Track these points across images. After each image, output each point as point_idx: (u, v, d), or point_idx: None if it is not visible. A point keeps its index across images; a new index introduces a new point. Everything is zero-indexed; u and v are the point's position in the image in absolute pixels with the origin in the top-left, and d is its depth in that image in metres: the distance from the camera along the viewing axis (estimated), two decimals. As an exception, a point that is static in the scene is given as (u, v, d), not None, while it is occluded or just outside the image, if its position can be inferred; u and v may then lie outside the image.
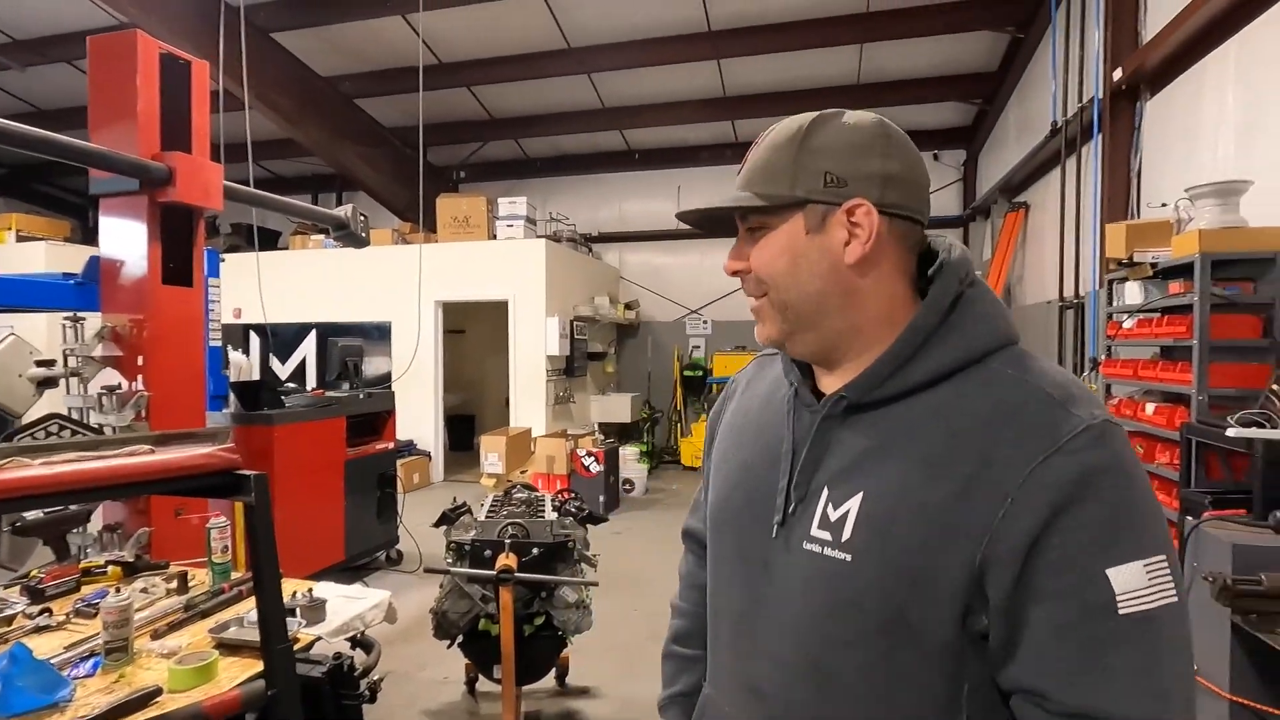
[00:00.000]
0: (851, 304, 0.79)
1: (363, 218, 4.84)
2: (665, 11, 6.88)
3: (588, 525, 2.97)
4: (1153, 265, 3.46)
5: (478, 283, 8.02)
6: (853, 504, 0.75)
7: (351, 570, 4.72)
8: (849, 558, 0.74)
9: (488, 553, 2.52)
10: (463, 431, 10.45)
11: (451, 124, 9.28)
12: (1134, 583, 0.65)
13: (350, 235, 4.69)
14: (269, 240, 9.89)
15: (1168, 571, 0.66)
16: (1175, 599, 0.66)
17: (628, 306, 9.94)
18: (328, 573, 4.25)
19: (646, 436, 9.58)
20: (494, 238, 8.29)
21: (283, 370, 8.30)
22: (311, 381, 8.12)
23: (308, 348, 8.39)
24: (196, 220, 3.67)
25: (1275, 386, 2.66)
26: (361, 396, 4.79)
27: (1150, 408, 3.45)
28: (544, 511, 2.87)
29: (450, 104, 8.78)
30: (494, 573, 2.38)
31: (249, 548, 1.37)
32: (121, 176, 3.27)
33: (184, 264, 3.60)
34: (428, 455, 7.98)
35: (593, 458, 6.57)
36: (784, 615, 0.80)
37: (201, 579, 2.35)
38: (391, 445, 5.11)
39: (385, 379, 7.71)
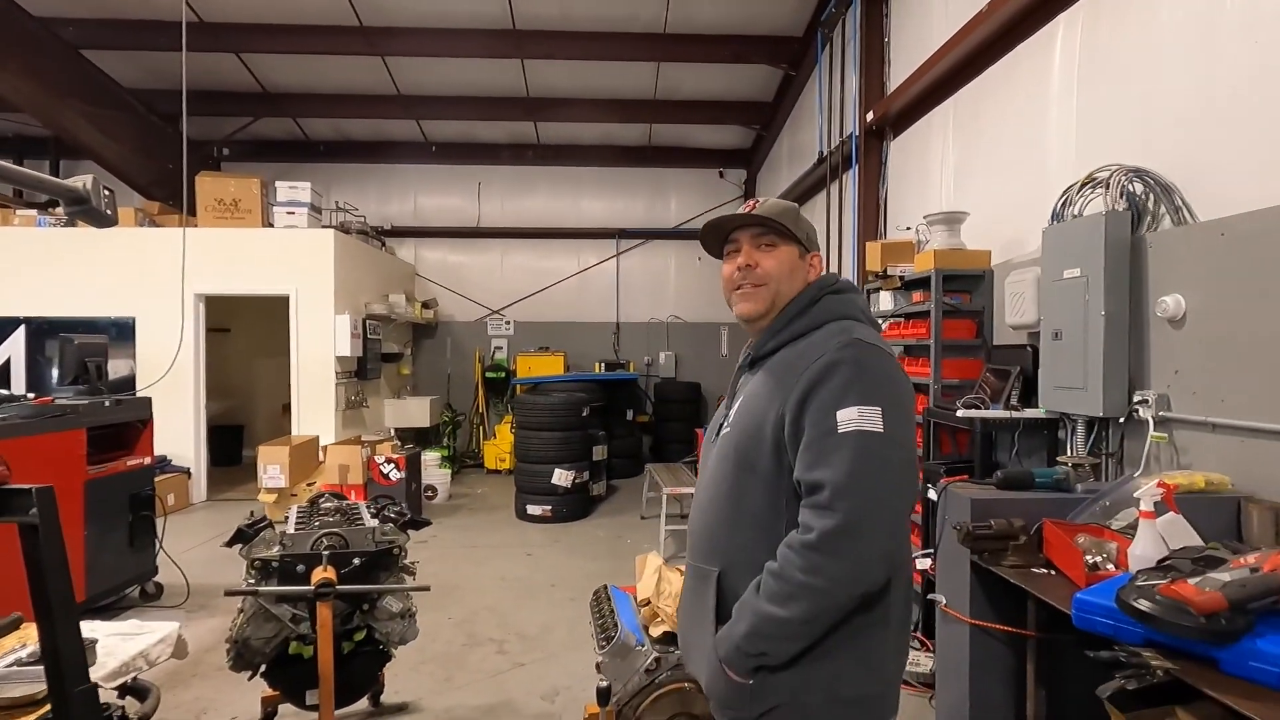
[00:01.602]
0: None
1: (107, 192, 4.05)
2: (468, 3, 6.71)
3: (409, 531, 2.82)
4: (901, 278, 4.16)
5: (251, 275, 7.11)
6: (739, 403, 1.37)
7: (94, 612, 3.93)
8: (730, 430, 1.34)
9: (301, 567, 2.28)
10: (227, 444, 9.18)
11: (214, 93, 8.13)
12: (849, 416, 1.16)
13: (90, 211, 3.87)
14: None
15: (878, 415, 1.16)
16: (880, 430, 1.16)
17: (425, 305, 9.47)
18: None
19: (448, 440, 9.22)
20: (270, 225, 7.41)
21: (-26, 375, 6.62)
22: (20, 387, 6.58)
23: (14, 347, 6.79)
24: None
25: (989, 375, 3.37)
26: (107, 404, 4.01)
27: (899, 396, 4.16)
28: (361, 519, 2.66)
29: (213, 70, 7.69)
30: (312, 588, 2.17)
31: (30, 575, 1.13)
32: None
33: None
34: (186, 472, 6.88)
35: (393, 464, 6.18)
36: (705, 477, 1.39)
37: (-102, 636, 1.84)
38: (148, 461, 4.35)
39: (127, 384, 6.51)
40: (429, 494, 7.14)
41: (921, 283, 3.99)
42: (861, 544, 1.12)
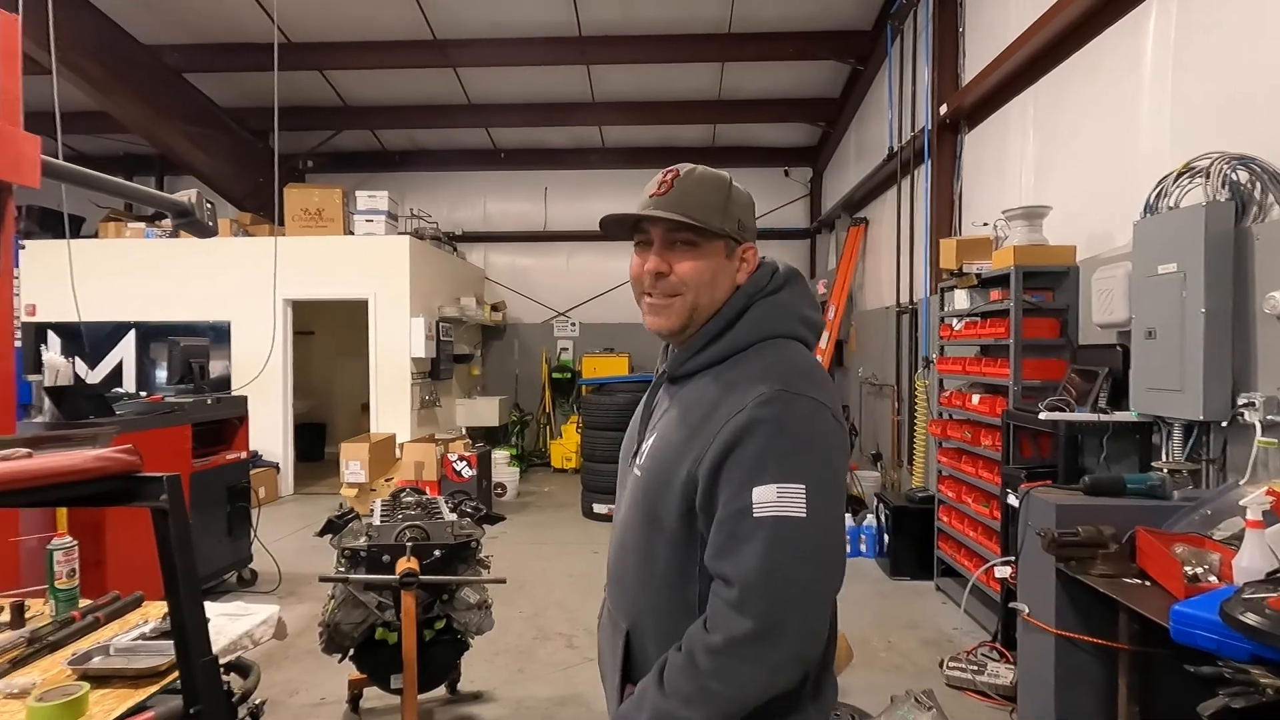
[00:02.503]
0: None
1: (209, 205, 4.37)
2: (536, 13, 6.87)
3: (484, 526, 2.92)
4: (977, 275, 4.02)
5: (333, 280, 7.49)
6: (650, 441, 1.13)
7: (197, 595, 4.24)
8: (640, 473, 1.13)
9: (386, 557, 2.41)
10: (311, 441, 9.68)
11: (300, 109, 8.59)
12: (767, 497, 0.96)
13: (195, 223, 4.21)
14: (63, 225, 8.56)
15: (801, 496, 0.96)
16: (802, 515, 0.95)
17: (494, 308, 9.74)
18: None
19: (516, 440, 9.45)
20: (350, 232, 7.79)
21: (93, 375, 7.22)
22: (130, 385, 7.15)
23: (125, 349, 7.37)
24: (5, 198, 3.14)
25: (1074, 376, 3.22)
26: (209, 402, 4.31)
27: (976, 398, 4.02)
28: (441, 513, 2.78)
29: (299, 87, 8.14)
30: (397, 577, 2.29)
31: (162, 556, 1.24)
32: (-95, 142, 2.73)
33: (-12, 249, 3.07)
34: (275, 467, 7.32)
35: (465, 462, 6.39)
36: (620, 517, 1.19)
37: (39, 608, 2.04)
38: (244, 455, 4.66)
39: (224, 384, 6.97)
40: (499, 491, 7.34)
41: (1000, 280, 3.84)
42: (774, 651, 0.96)
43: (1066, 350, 3.68)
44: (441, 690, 3.13)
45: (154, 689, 1.63)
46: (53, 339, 7.21)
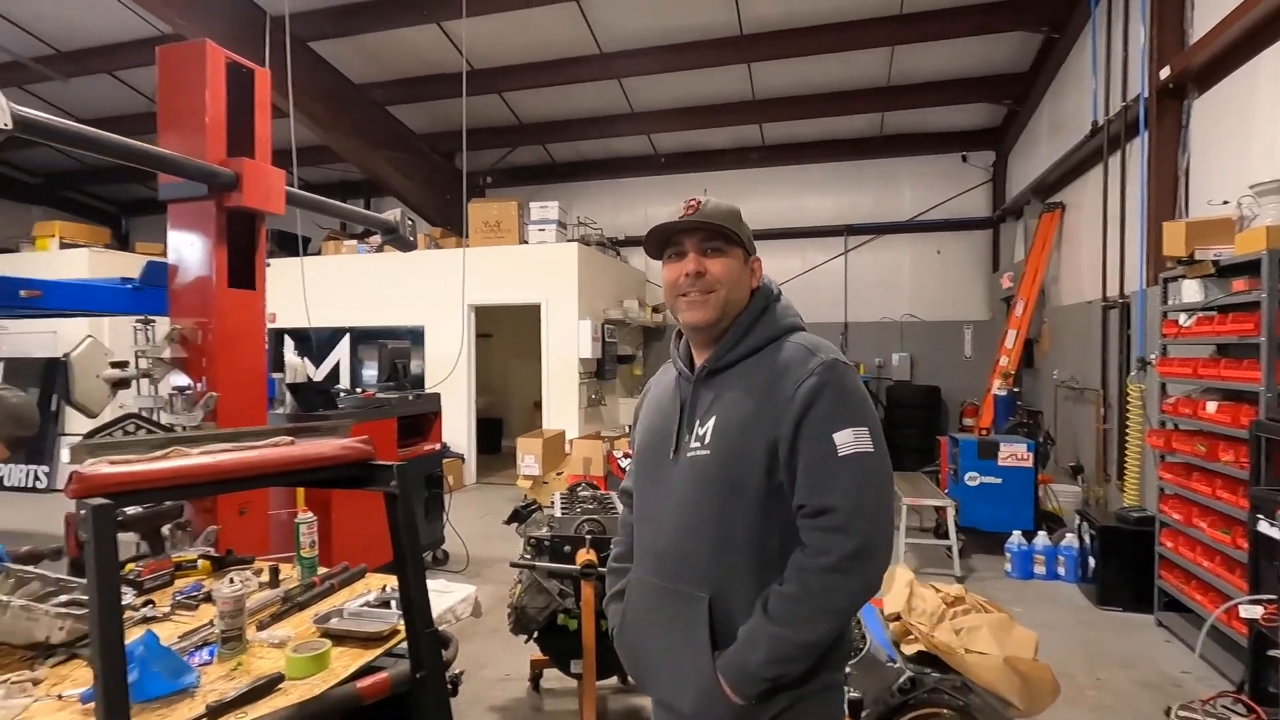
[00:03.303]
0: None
1: (410, 222, 4.91)
2: (698, 16, 6.92)
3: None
4: (1214, 263, 3.44)
5: (510, 286, 8.08)
6: (711, 423, 1.31)
7: (401, 570, 4.76)
8: (708, 453, 1.29)
9: (567, 548, 2.55)
10: (490, 435, 10.50)
11: (482, 130, 9.37)
12: (846, 439, 1.21)
13: (399, 239, 4.76)
14: (297, 245, 10.01)
15: (868, 435, 1.22)
16: (872, 450, 1.22)
17: (655, 310, 9.96)
18: (379, 572, 4.29)
19: (675, 439, 9.59)
20: (525, 242, 8.34)
21: (316, 374, 8.37)
22: (346, 384, 8.20)
23: (341, 351, 8.46)
24: (259, 224, 3.74)
25: (1355, 382, 2.65)
26: (410, 398, 4.83)
27: (1212, 406, 3.44)
28: (615, 508, 2.89)
29: (481, 110, 8.86)
30: (578, 567, 2.41)
31: (392, 535, 1.41)
32: (191, 182, 3.34)
33: (247, 268, 3.67)
34: (461, 458, 8.02)
35: (629, 459, 6.58)
36: (674, 498, 1.34)
37: (287, 572, 2.39)
38: (438, 446, 5.16)
39: (419, 382, 7.77)
40: (660, 489, 7.49)
41: (1246, 267, 3.26)
42: (874, 562, 1.20)
43: (1340, 350, 3.04)
44: (614, 679, 3.25)
45: (379, 651, 1.85)
46: (288, 342, 8.45)
